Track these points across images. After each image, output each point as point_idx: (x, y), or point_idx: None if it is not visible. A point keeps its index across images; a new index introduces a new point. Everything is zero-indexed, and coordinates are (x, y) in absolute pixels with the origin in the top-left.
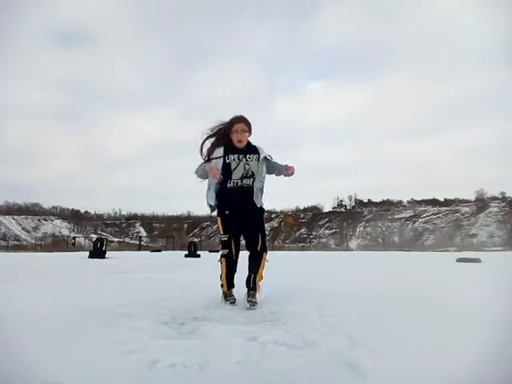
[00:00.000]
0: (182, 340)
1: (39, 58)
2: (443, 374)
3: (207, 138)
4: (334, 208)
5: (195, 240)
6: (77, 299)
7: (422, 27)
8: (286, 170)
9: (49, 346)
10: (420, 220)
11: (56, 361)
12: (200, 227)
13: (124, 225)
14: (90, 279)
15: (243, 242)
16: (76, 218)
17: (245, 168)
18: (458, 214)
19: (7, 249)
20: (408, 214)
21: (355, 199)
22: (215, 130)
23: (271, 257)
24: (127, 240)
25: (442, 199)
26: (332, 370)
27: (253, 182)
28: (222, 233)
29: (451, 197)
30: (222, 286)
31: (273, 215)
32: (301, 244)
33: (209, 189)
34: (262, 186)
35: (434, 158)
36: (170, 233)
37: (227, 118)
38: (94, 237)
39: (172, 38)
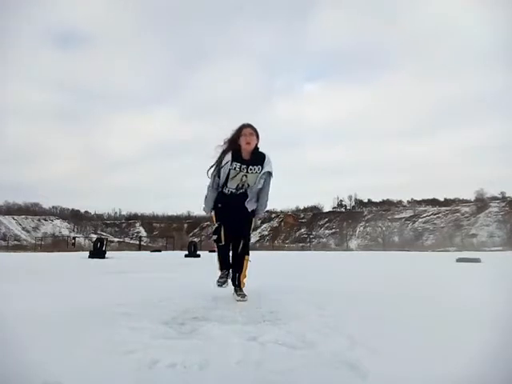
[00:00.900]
0: (182, 340)
1: (39, 59)
2: (443, 374)
3: (222, 152)
4: (334, 208)
5: (195, 240)
6: (77, 299)
7: (421, 27)
8: (257, 215)
9: (49, 346)
10: (420, 220)
11: (56, 361)
12: (200, 227)
13: (124, 225)
14: (89, 279)
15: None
16: (76, 218)
17: (241, 180)
18: (457, 214)
19: (7, 249)
20: (408, 214)
21: (355, 199)
22: (228, 138)
23: (271, 256)
24: (127, 240)
25: (442, 199)
26: (332, 369)
27: (246, 190)
28: (214, 222)
29: (451, 197)
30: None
31: (273, 215)
32: (301, 244)
33: (207, 196)
34: (256, 196)
35: (433, 157)
36: (170, 233)
37: (234, 126)
38: (94, 237)
39: (172, 38)
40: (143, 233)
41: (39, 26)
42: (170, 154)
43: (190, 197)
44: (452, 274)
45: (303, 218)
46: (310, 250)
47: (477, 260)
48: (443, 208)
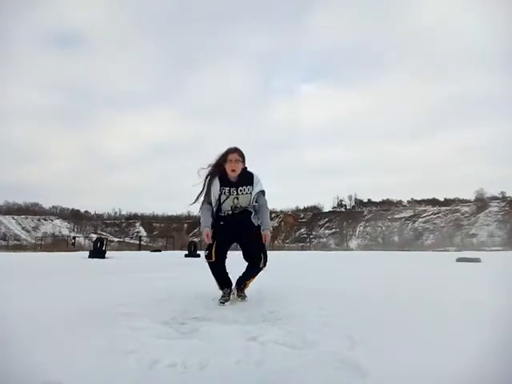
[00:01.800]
0: (182, 340)
1: (39, 60)
2: (443, 374)
3: (208, 174)
4: (333, 208)
5: (195, 240)
6: (77, 299)
7: (420, 27)
8: (264, 235)
9: (49, 345)
10: (420, 220)
11: (56, 361)
12: (200, 227)
13: (124, 225)
14: (89, 279)
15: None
16: (76, 217)
17: (233, 202)
18: (457, 214)
19: (7, 249)
20: (408, 213)
21: (355, 199)
22: (213, 163)
23: (271, 256)
24: (127, 240)
25: (441, 199)
26: (332, 369)
27: (244, 209)
28: (208, 241)
29: (451, 196)
30: None
31: (273, 215)
32: (301, 244)
33: (202, 214)
34: (258, 211)
35: (433, 158)
36: (170, 233)
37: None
38: (94, 237)
39: (171, 39)
40: (143, 233)
41: (40, 28)
42: (170, 154)
43: (190, 197)
44: (452, 273)
45: (303, 217)
46: (310, 249)
47: (477, 260)
48: (443, 208)
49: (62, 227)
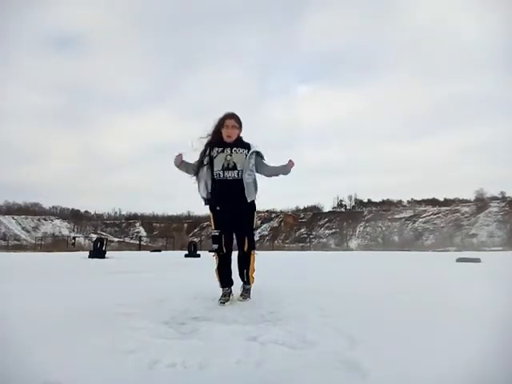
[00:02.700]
0: (182, 340)
1: (39, 60)
2: (443, 374)
3: (209, 142)
4: (333, 208)
5: (195, 240)
6: (77, 299)
7: (420, 27)
8: (290, 167)
9: (49, 345)
10: (420, 220)
11: (56, 361)
12: (200, 227)
13: (124, 225)
14: (89, 279)
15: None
16: (76, 217)
17: (226, 159)
18: (457, 214)
19: (7, 249)
20: (408, 213)
21: (355, 199)
22: (211, 131)
23: (271, 256)
24: (127, 240)
25: (441, 199)
26: (332, 369)
27: (238, 174)
28: (213, 227)
29: (451, 197)
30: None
31: (273, 215)
32: (301, 244)
33: (199, 181)
34: (254, 180)
35: (433, 158)
36: (170, 233)
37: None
38: (94, 237)
39: (170, 40)
40: (143, 233)
41: (39, 28)
42: (170, 154)
43: (190, 197)
44: (452, 273)
45: (303, 217)
46: (309, 249)
47: (477, 260)
48: (443, 208)
49: (62, 227)
